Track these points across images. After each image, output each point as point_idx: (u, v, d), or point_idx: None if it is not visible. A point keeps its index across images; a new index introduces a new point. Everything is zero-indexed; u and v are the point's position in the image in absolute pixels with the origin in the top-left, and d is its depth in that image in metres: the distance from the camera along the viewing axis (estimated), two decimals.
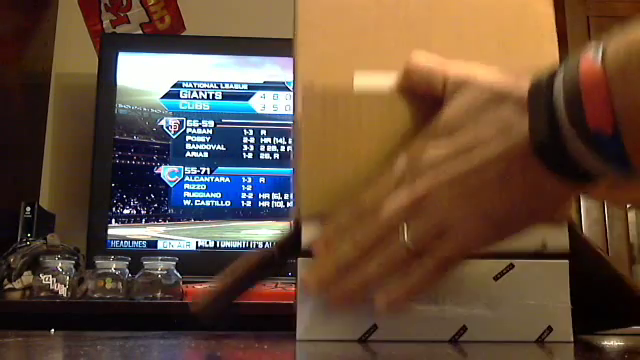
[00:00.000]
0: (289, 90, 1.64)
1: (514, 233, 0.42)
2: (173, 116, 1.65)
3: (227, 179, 1.63)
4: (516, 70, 0.41)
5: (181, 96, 1.66)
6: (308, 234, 0.46)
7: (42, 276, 1.30)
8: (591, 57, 0.35)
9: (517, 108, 0.38)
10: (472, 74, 0.42)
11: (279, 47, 1.38)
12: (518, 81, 0.39)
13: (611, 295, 0.51)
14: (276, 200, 1.61)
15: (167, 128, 1.64)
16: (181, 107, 1.66)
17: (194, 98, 1.66)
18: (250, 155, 1.63)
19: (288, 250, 0.49)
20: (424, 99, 0.44)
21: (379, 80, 0.48)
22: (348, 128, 0.47)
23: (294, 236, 0.47)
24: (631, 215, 1.96)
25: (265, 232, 1.60)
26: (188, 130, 1.64)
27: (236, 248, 1.58)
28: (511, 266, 0.48)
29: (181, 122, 1.65)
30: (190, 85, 1.66)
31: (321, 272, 0.44)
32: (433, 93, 0.43)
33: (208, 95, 1.66)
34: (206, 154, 1.63)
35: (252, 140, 1.64)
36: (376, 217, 0.42)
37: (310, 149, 0.47)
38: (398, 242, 0.41)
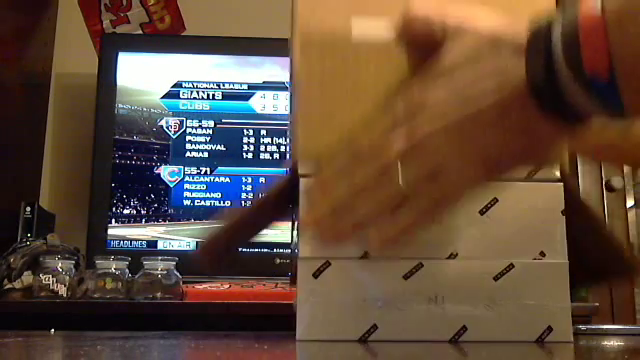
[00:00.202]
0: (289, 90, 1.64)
1: (505, 173, 0.43)
2: (173, 116, 1.65)
3: (227, 179, 1.63)
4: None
5: (181, 96, 1.66)
6: (305, 178, 0.47)
7: (42, 276, 1.30)
8: (590, 3, 0.35)
9: (516, 52, 0.38)
10: (471, 19, 0.42)
11: (279, 47, 1.38)
12: (517, 26, 0.39)
13: (597, 250, 0.52)
14: None
15: (167, 128, 1.64)
16: (181, 107, 1.66)
17: (194, 98, 1.66)
18: (250, 155, 1.63)
19: (287, 194, 0.49)
20: (423, 46, 0.44)
21: (377, 28, 0.48)
22: (346, 76, 0.47)
23: (292, 180, 0.48)
24: (631, 215, 1.96)
25: (265, 232, 1.59)
26: (188, 130, 1.64)
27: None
28: (511, 266, 0.48)
29: (181, 122, 1.64)
30: (190, 85, 1.66)
31: (318, 213, 0.44)
32: (432, 40, 0.43)
33: (208, 95, 1.66)
34: (206, 154, 1.63)
35: (252, 140, 1.64)
36: (372, 159, 0.43)
37: (308, 96, 0.48)
38: (393, 183, 0.42)
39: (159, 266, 1.32)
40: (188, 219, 1.60)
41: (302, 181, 0.47)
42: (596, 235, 0.52)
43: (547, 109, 0.38)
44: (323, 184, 0.45)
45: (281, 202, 0.51)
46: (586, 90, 0.35)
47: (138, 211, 1.60)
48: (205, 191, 1.61)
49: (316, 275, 0.48)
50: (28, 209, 1.52)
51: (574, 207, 0.50)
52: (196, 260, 0.50)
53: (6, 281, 1.34)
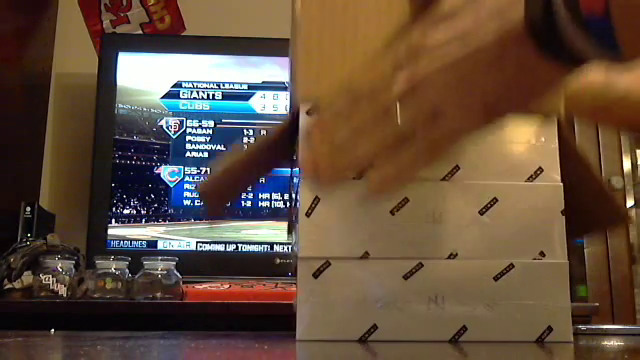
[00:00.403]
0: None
1: (502, 116, 0.43)
2: (173, 116, 1.65)
3: None
4: None
5: (181, 96, 1.66)
6: (305, 119, 0.47)
7: (42, 276, 1.30)
8: None
9: None
10: None
11: (279, 47, 1.37)
12: None
13: (591, 198, 0.52)
14: (276, 200, 1.61)
15: (167, 128, 1.64)
16: (181, 107, 1.66)
17: (194, 98, 1.66)
18: None
19: (287, 135, 0.49)
20: None
21: None
22: (346, 19, 0.48)
23: (292, 122, 0.48)
24: (631, 215, 1.96)
25: (265, 232, 1.59)
26: (188, 130, 1.64)
27: (236, 248, 1.58)
28: (511, 266, 0.48)
29: (181, 122, 1.65)
30: (190, 85, 1.66)
31: (317, 154, 0.45)
32: None
33: (208, 95, 1.66)
34: (206, 154, 1.63)
35: (252, 140, 1.64)
36: (372, 101, 0.43)
37: (308, 40, 0.48)
38: (392, 123, 0.42)
39: (159, 266, 1.32)
40: (188, 219, 1.60)
41: (302, 123, 0.47)
42: (591, 184, 0.52)
43: (545, 50, 0.38)
44: (323, 125, 0.45)
45: (282, 144, 0.51)
46: (583, 31, 0.36)
47: (138, 211, 1.60)
48: None
49: (316, 275, 0.48)
50: (28, 209, 1.52)
51: (570, 157, 0.50)
52: (199, 200, 0.50)
53: (6, 281, 1.34)
